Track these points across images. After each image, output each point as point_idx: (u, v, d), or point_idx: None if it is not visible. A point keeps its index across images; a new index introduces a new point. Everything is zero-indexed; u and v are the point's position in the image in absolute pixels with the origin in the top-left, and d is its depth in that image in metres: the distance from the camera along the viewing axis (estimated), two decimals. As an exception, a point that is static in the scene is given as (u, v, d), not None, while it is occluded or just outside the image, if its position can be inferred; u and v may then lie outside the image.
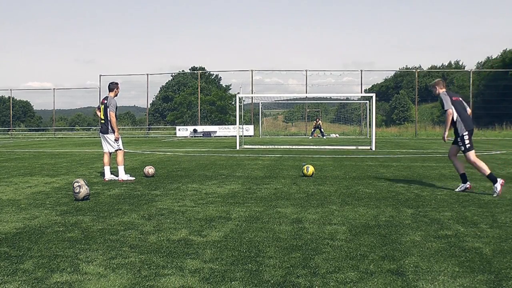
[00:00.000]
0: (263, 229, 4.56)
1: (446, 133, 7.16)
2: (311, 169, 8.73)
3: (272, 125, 46.33)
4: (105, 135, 8.54)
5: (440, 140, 28.45)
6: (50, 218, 5.13)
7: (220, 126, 38.65)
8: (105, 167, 8.56)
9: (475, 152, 7.05)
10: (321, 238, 4.21)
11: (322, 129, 32.72)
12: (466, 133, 6.88)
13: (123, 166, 8.51)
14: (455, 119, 6.90)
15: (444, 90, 7.13)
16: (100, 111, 8.57)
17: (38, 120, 75.27)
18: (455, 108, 6.90)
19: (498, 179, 6.61)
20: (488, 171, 6.72)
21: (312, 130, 33.55)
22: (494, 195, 6.53)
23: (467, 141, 6.87)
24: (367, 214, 5.29)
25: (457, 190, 7.01)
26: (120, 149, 8.58)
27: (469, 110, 7.10)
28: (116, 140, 8.50)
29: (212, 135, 36.07)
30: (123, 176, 8.40)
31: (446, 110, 6.89)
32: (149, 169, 8.83)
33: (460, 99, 7.07)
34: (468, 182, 7.03)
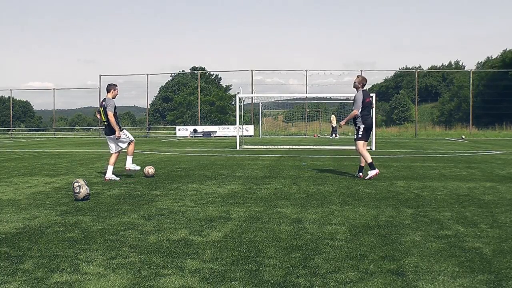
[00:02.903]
0: (263, 229, 4.56)
1: (344, 121, 8.99)
2: None
3: (272, 125, 46.37)
4: (110, 137, 8.58)
5: (440, 140, 28.46)
6: (50, 218, 5.13)
7: (220, 126, 38.68)
8: (108, 166, 8.58)
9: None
10: (321, 238, 4.21)
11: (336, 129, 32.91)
12: (363, 126, 8.46)
13: (132, 156, 8.78)
14: (357, 118, 8.53)
15: (361, 89, 8.52)
16: (100, 114, 8.61)
17: (38, 120, 75.30)
18: (363, 109, 8.43)
19: (376, 169, 8.30)
20: (369, 160, 8.35)
21: (333, 130, 33.31)
22: (366, 177, 8.28)
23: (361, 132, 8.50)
24: (367, 214, 5.29)
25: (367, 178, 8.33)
26: (132, 140, 8.78)
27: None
28: (118, 138, 8.51)
29: (212, 135, 36.07)
30: (130, 165, 8.66)
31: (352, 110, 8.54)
32: (149, 169, 8.84)
33: (371, 99, 8.66)
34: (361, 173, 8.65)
